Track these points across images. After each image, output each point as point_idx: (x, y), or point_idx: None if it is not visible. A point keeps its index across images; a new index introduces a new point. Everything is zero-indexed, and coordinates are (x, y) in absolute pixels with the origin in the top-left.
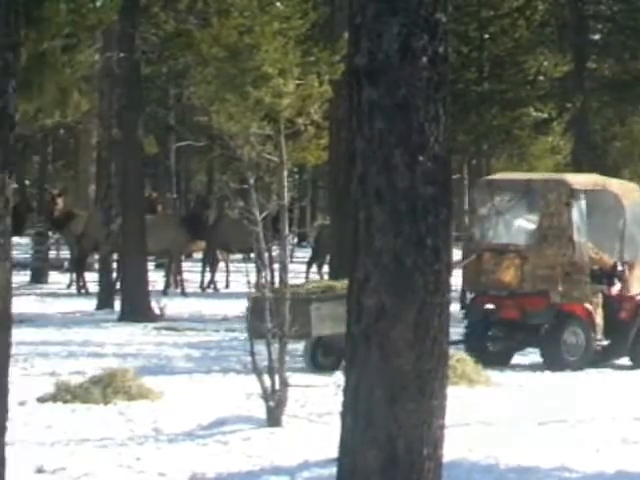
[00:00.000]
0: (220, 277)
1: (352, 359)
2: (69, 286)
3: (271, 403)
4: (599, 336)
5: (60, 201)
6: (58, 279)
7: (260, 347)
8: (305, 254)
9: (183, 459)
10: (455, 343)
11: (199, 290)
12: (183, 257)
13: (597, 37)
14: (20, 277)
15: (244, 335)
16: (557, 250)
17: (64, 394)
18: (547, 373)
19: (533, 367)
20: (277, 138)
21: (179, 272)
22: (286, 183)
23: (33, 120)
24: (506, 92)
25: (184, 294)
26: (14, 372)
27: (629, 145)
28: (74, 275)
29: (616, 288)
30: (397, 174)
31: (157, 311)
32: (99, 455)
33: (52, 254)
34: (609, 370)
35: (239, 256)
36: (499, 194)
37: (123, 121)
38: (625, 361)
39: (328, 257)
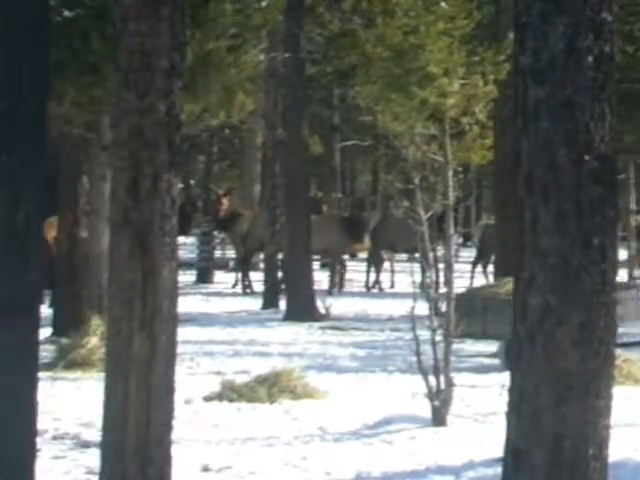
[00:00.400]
0: (385, 277)
1: (517, 359)
2: (234, 285)
3: (436, 403)
4: None
5: (226, 201)
6: (223, 278)
7: (425, 347)
8: (470, 254)
9: (348, 458)
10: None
11: (364, 290)
12: (348, 257)
13: None
14: (186, 277)
15: (409, 335)
16: None
17: (230, 393)
18: None
19: None
20: (442, 138)
21: (343, 271)
22: (451, 183)
23: (199, 120)
24: None
25: (340, 292)
26: (180, 371)
27: None
28: (239, 275)
29: None
30: (563, 173)
31: (322, 310)
32: (265, 454)
33: (217, 254)
34: None
35: (404, 256)
36: None
37: (288, 121)
38: None
39: (493, 257)
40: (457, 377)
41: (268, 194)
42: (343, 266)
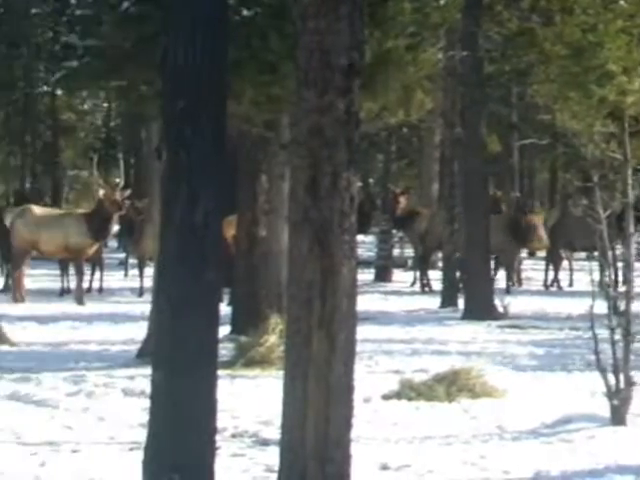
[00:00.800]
0: (564, 275)
1: None
2: (413, 284)
3: (615, 401)
4: None
5: (403, 200)
6: (402, 277)
7: (604, 345)
8: None
9: (527, 457)
10: None
11: (542, 288)
12: (526, 255)
13: None
14: (365, 275)
15: (588, 333)
16: None
17: (408, 392)
18: None
19: None
20: (621, 136)
21: (513, 270)
22: (630, 181)
23: (377, 118)
24: None
25: (508, 292)
26: (359, 369)
27: None
28: (418, 273)
29: None
30: None
31: (501, 309)
32: (443, 452)
33: (396, 252)
34: None
35: (583, 254)
36: None
37: (466, 119)
38: None
39: None
40: (637, 376)
41: (446, 193)
42: (517, 264)
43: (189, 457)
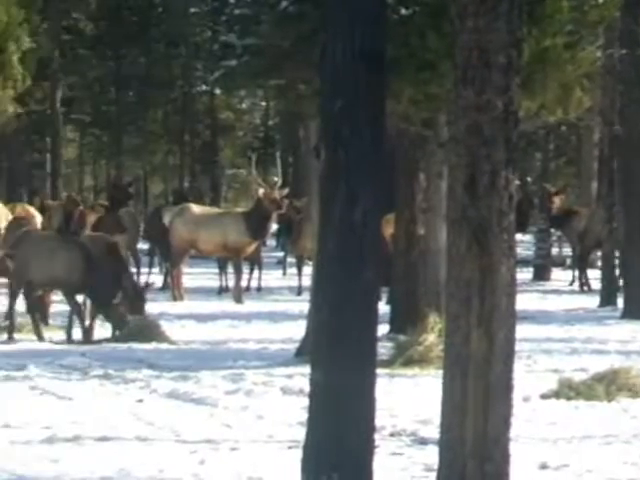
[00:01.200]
0: None
1: None
2: (571, 283)
3: None
4: None
5: (557, 200)
6: (560, 276)
7: None
8: None
9: None
10: None
11: None
12: None
13: None
14: (523, 274)
15: None
16: None
17: (567, 391)
18: None
19: None
20: None
21: None
22: None
23: (535, 117)
24: None
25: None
26: (518, 368)
27: None
28: (576, 272)
29: None
30: None
31: None
32: (602, 452)
33: (554, 251)
34: None
35: None
36: None
37: (625, 118)
38: None
39: None
40: None
41: (605, 191)
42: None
43: (348, 456)
